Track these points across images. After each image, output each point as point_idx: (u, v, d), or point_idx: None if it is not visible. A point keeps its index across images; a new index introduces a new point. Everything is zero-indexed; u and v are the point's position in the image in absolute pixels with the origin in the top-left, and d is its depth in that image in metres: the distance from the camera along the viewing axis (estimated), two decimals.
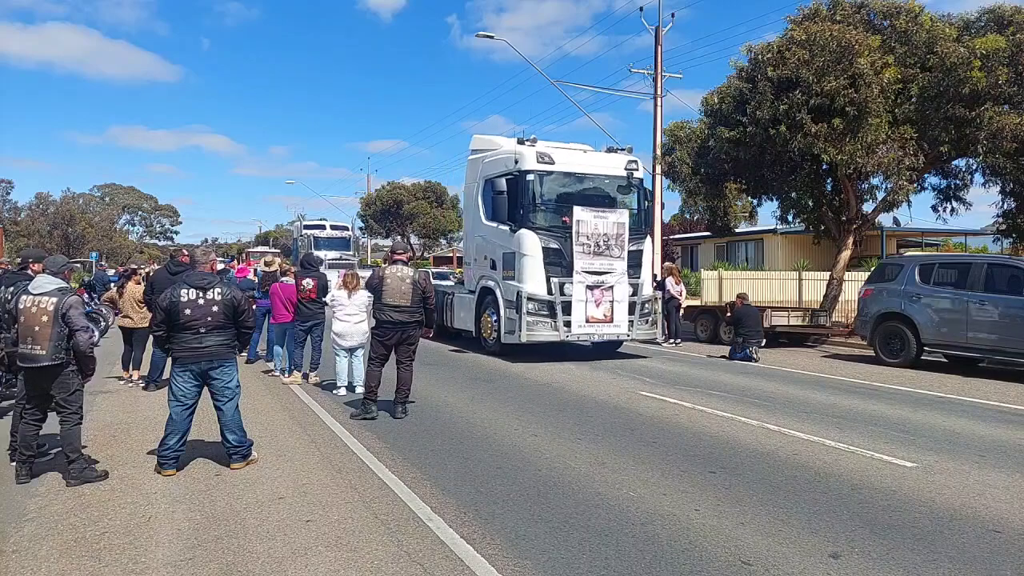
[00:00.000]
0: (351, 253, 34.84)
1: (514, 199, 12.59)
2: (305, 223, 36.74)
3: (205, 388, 5.86)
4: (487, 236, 13.55)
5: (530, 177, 12.56)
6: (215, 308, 5.72)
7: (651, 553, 4.22)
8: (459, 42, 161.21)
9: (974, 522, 4.77)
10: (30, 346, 5.33)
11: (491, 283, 13.20)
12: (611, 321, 12.46)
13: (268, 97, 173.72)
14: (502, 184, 12.73)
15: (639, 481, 5.62)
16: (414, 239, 53.97)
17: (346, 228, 37.96)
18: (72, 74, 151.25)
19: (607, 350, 14.05)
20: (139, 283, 10.12)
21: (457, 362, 12.73)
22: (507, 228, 12.73)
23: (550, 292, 12.16)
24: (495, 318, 13.02)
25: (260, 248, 56.14)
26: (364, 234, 46.09)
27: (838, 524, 4.70)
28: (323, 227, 36.53)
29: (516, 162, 12.67)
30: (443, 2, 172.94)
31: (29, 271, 6.50)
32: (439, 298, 14.50)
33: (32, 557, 4.14)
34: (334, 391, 9.43)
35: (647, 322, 13.17)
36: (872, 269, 16.51)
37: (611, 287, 12.41)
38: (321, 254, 31.69)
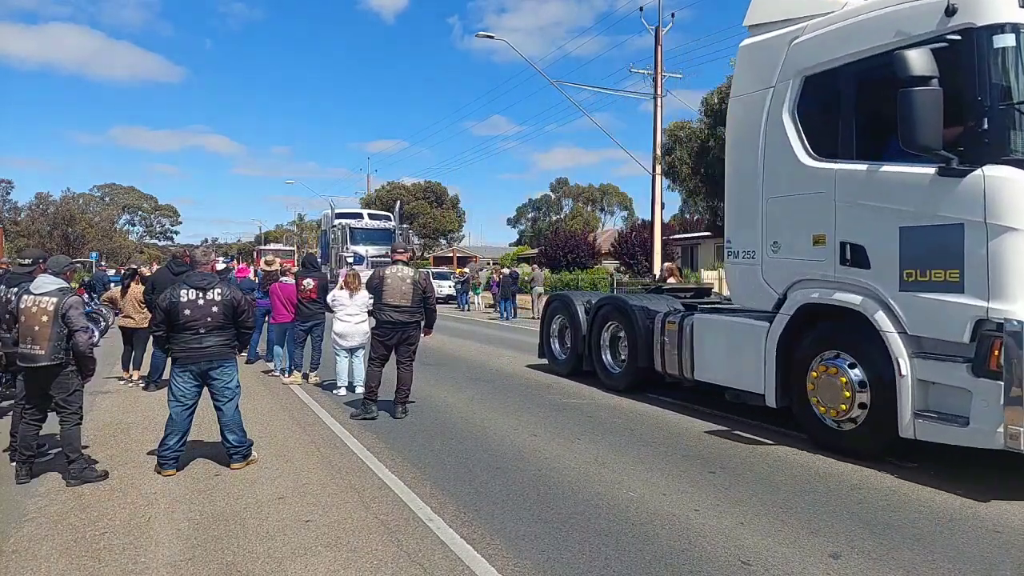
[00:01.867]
0: (387, 247, 28.62)
1: (963, 97, 5.41)
2: (337, 211, 29.67)
3: (205, 388, 5.87)
4: (840, 191, 6.32)
5: (1006, 40, 5.31)
6: (215, 308, 5.73)
7: (651, 553, 4.22)
8: (460, 43, 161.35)
9: (974, 522, 4.77)
10: (30, 346, 5.33)
11: (844, 297, 6.27)
12: None
13: (270, 97, 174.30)
14: (915, 63, 5.39)
15: (639, 481, 5.62)
16: (414, 239, 54.04)
17: (388, 218, 30.49)
18: (74, 75, 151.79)
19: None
20: (139, 283, 10.13)
21: (457, 362, 12.73)
22: (928, 170, 5.56)
23: None
24: (860, 377, 6.16)
25: (273, 246, 54.73)
26: (407, 227, 36.46)
27: (838, 524, 4.70)
28: (359, 216, 29.66)
29: (951, 11, 5.45)
30: (445, 3, 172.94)
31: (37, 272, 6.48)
32: (641, 321, 9.20)
33: (32, 557, 4.14)
34: (334, 391, 9.43)
35: None
36: None
37: None
38: (361, 249, 26.80)
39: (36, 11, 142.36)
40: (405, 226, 31.73)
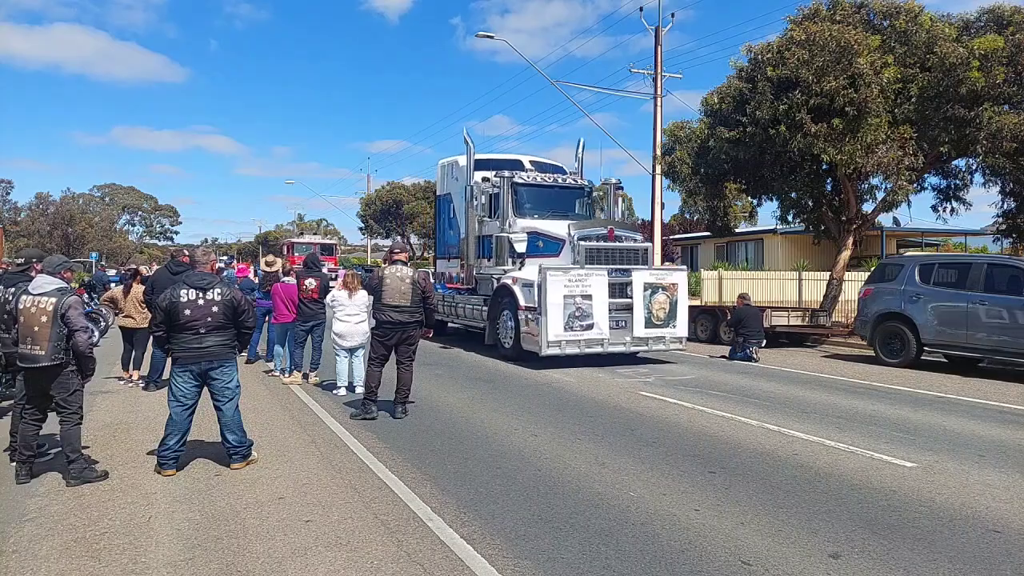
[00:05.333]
0: (610, 225, 13.34)
1: None
2: (478, 157, 15.55)
3: (205, 388, 5.87)
4: None
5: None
6: (215, 308, 5.72)
7: (651, 553, 4.22)
8: (463, 43, 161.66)
9: (974, 522, 4.77)
10: (30, 346, 5.33)
11: None
12: None
13: (273, 98, 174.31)
14: None
15: (639, 481, 5.62)
16: (414, 239, 53.91)
17: (561, 169, 16.48)
18: (78, 75, 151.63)
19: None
20: (140, 283, 10.14)
21: (457, 362, 12.73)
22: None
23: None
24: None
25: (308, 238, 51.43)
26: (619, 181, 17.19)
27: (838, 524, 4.70)
28: (516, 165, 15.80)
29: None
30: (449, 4, 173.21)
31: (32, 272, 6.49)
32: None
33: (32, 557, 4.14)
34: (334, 391, 9.43)
35: None
36: (872, 269, 16.51)
37: None
38: (548, 225, 13.24)
39: (41, 12, 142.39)
40: (615, 180, 15.92)
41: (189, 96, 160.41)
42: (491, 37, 25.02)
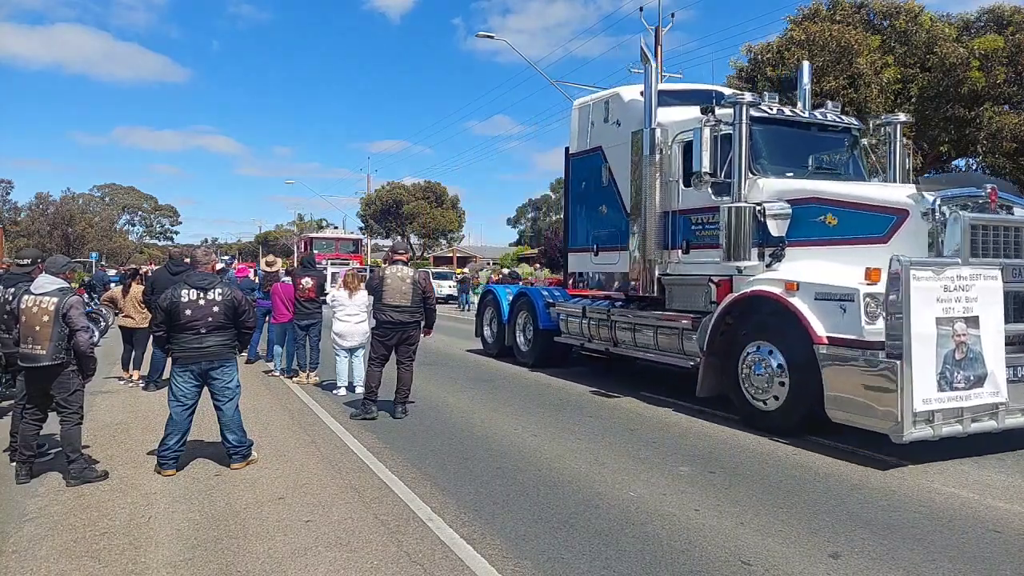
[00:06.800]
0: (989, 183, 6.75)
1: None
2: (663, 88, 10.63)
3: (205, 388, 5.87)
4: None
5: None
6: (215, 308, 5.73)
7: (651, 553, 4.22)
8: (464, 44, 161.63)
9: (974, 522, 4.77)
10: (31, 346, 5.33)
11: None
12: None
13: (274, 98, 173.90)
14: None
15: (639, 481, 5.62)
16: (414, 239, 53.97)
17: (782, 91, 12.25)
18: (79, 75, 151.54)
19: None
20: (140, 283, 10.15)
21: (457, 362, 12.73)
22: None
23: None
24: None
25: (329, 232, 48.80)
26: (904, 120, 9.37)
27: (838, 524, 4.70)
28: (718, 100, 8.33)
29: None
30: (450, 4, 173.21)
31: (36, 272, 6.45)
32: None
33: (32, 557, 4.14)
34: (334, 391, 9.43)
35: None
36: None
37: None
38: (815, 186, 7.71)
39: (43, 12, 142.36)
40: (903, 116, 9.27)
41: (190, 96, 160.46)
42: (491, 37, 25.08)
